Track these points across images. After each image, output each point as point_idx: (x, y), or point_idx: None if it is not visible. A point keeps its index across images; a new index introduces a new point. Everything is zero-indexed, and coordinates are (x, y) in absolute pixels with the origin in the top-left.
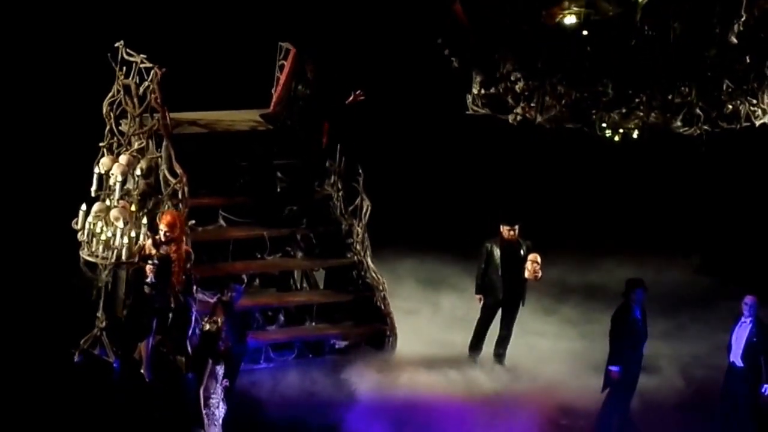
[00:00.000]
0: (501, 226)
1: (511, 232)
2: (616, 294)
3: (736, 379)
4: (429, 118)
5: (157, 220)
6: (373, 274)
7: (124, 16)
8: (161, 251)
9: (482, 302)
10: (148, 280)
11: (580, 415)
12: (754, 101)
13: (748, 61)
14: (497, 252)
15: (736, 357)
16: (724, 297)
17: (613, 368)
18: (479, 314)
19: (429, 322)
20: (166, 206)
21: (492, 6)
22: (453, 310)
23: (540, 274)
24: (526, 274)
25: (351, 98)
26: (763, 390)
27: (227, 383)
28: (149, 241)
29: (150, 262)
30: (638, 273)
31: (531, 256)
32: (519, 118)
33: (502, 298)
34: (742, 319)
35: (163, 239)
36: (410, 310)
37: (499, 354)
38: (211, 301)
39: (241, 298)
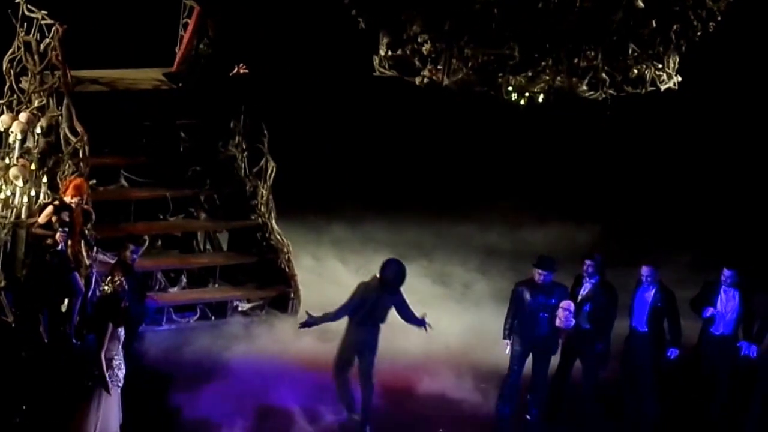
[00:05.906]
0: (534, 270)
1: (542, 277)
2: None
3: (639, 344)
4: (335, 80)
5: (63, 191)
6: (278, 236)
7: None
8: (62, 216)
9: (511, 348)
10: (59, 247)
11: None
12: (660, 66)
13: (654, 25)
14: (527, 296)
15: (638, 322)
16: (628, 262)
17: None
18: (509, 362)
19: (331, 286)
20: (67, 165)
21: None
22: (355, 274)
23: (572, 323)
24: (557, 322)
25: (234, 71)
26: (669, 353)
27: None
28: (50, 207)
29: (60, 229)
30: (541, 238)
31: (563, 303)
32: (426, 80)
33: (532, 344)
34: (644, 285)
35: (74, 205)
36: (313, 272)
37: (533, 408)
38: (111, 261)
39: (138, 258)
